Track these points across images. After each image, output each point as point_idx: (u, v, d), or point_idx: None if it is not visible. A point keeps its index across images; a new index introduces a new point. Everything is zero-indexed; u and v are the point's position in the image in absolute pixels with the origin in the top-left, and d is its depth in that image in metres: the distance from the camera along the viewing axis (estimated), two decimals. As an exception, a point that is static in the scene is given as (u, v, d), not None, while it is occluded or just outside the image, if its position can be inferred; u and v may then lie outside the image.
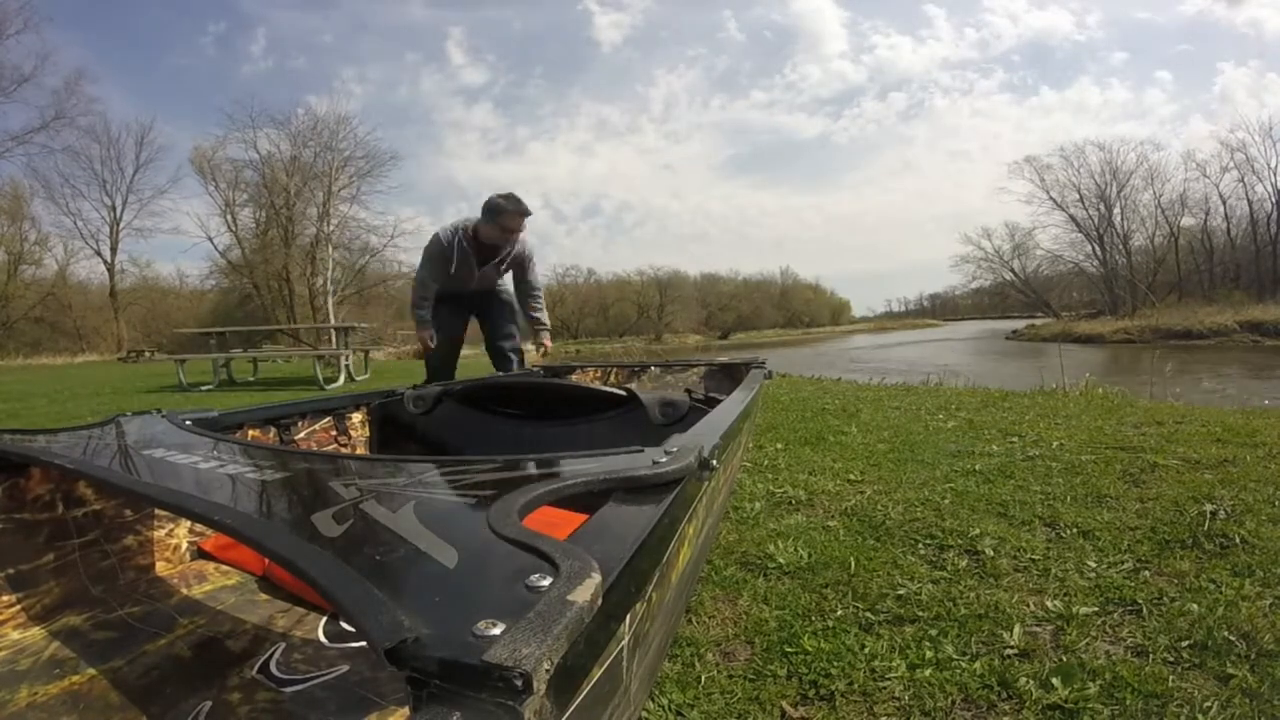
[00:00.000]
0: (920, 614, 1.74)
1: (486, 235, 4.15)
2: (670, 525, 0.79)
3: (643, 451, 0.93)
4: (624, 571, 0.61)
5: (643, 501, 0.79)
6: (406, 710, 0.90)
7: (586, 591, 0.51)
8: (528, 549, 0.60)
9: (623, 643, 0.64)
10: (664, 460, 0.88)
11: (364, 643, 1.09)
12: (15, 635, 1.13)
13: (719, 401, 1.95)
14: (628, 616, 0.64)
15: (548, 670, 0.43)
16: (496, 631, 0.45)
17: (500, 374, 3.82)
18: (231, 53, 74.65)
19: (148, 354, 24.88)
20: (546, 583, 0.52)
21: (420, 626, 0.47)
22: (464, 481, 0.87)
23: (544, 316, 4.55)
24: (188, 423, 1.43)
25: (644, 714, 1.34)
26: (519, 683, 0.41)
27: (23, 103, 31.79)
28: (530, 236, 4.35)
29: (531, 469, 0.91)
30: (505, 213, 4.07)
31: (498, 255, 4.26)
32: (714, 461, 1.00)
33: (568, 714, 0.50)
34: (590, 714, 0.56)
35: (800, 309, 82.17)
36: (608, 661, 0.60)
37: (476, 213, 4.16)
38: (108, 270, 34.30)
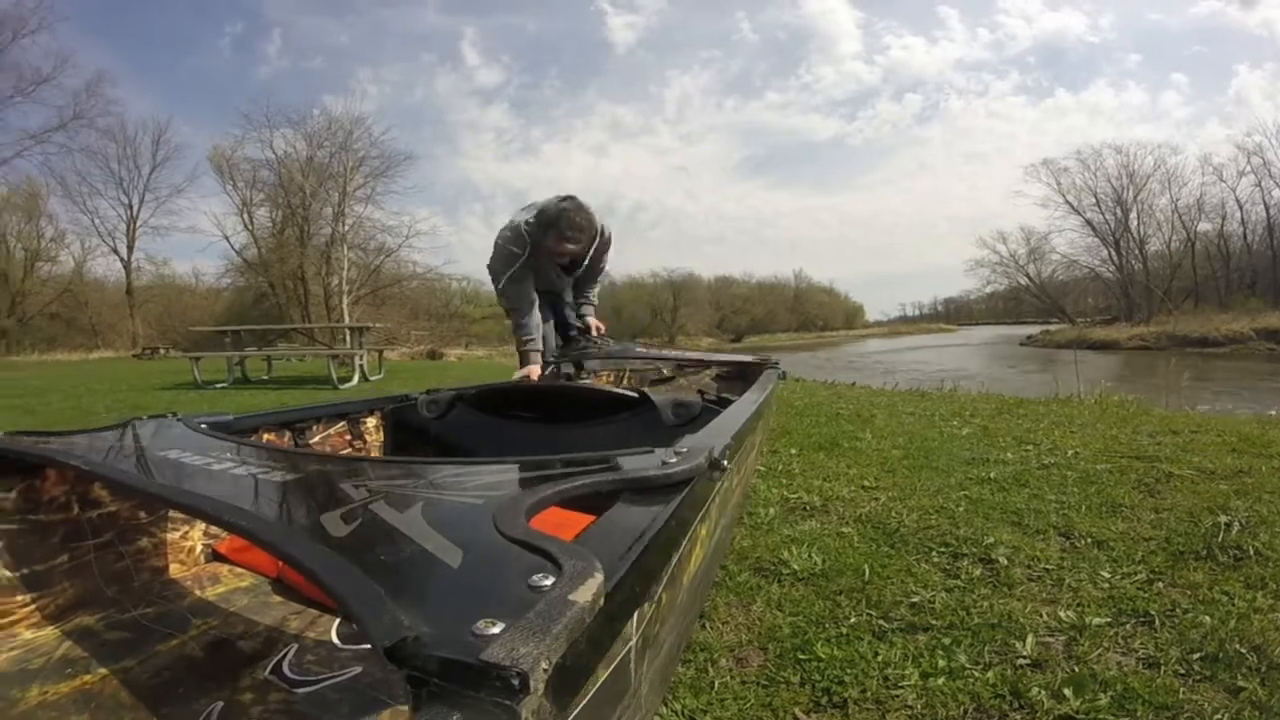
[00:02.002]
0: (934, 622, 1.74)
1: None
2: (679, 526, 0.79)
3: (652, 452, 0.93)
4: (629, 572, 0.61)
5: (651, 502, 0.79)
6: None
7: (589, 591, 0.51)
8: (532, 549, 0.60)
9: (630, 643, 0.64)
10: (673, 460, 0.88)
11: None
12: (28, 635, 1.14)
13: (730, 402, 1.94)
14: (634, 617, 0.64)
15: (546, 670, 0.43)
16: (496, 630, 0.45)
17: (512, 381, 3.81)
18: (249, 53, 74.80)
19: (163, 351, 25.01)
20: (549, 582, 0.53)
21: (421, 625, 0.47)
22: (473, 483, 0.87)
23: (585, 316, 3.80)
24: (203, 426, 1.44)
25: (656, 718, 1.34)
26: (516, 682, 0.41)
27: (41, 103, 31.85)
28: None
29: (540, 470, 0.91)
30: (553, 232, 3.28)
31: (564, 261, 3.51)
32: (725, 462, 0.99)
33: (573, 715, 0.50)
34: (598, 714, 0.56)
35: (814, 313, 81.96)
36: (614, 662, 0.60)
37: (494, 214, 3.62)
38: (124, 268, 34.47)
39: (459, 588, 0.57)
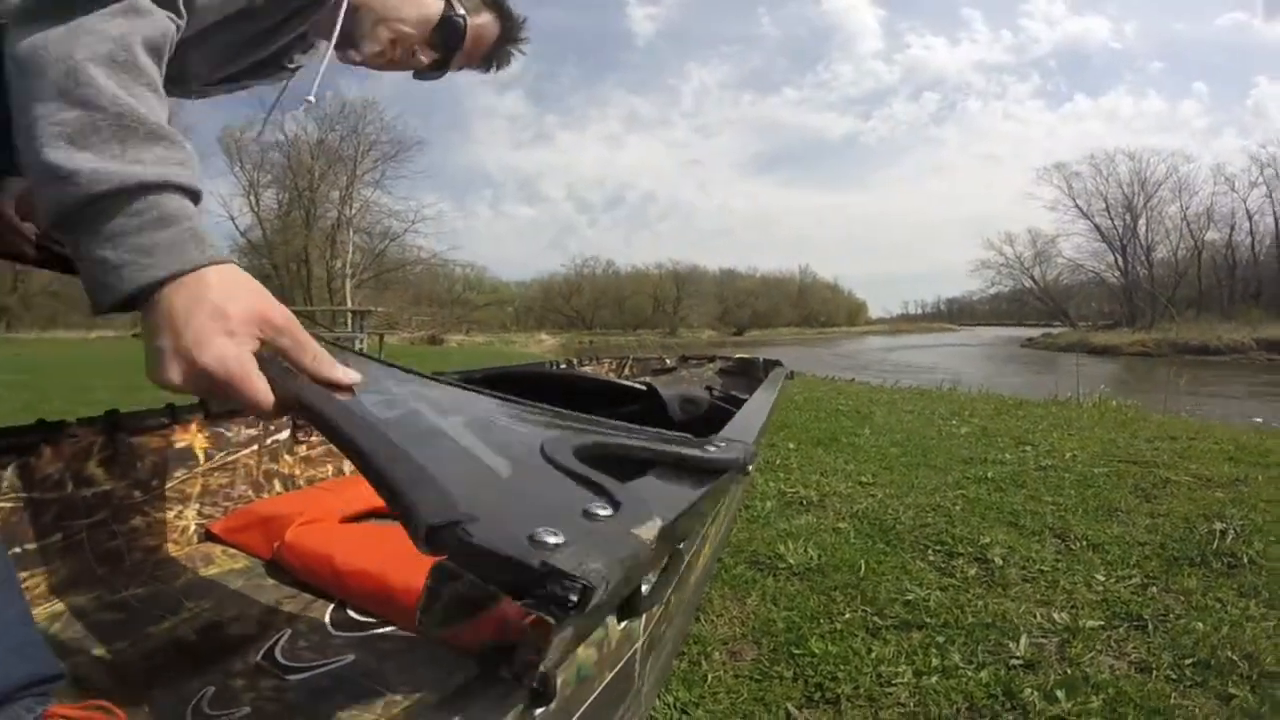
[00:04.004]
0: (928, 620, 1.74)
1: None
2: (698, 523, 0.76)
3: (692, 439, 0.91)
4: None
5: (683, 482, 0.75)
6: (411, 700, 0.89)
7: (651, 531, 0.48)
8: (585, 482, 0.56)
9: (636, 644, 0.63)
10: (713, 450, 0.85)
11: (371, 631, 1.09)
12: (22, 612, 1.14)
13: (739, 400, 1.93)
14: (643, 618, 0.63)
15: (604, 590, 0.39)
16: (557, 540, 0.41)
17: (515, 365, 3.80)
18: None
19: (164, 331, 24.94)
20: (607, 512, 0.49)
21: (470, 518, 0.43)
22: (515, 414, 0.85)
23: None
24: None
25: (651, 713, 1.34)
26: (575, 597, 0.37)
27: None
28: None
29: (583, 422, 0.89)
30: None
31: None
32: (749, 466, 0.98)
33: (577, 715, 0.50)
34: (601, 715, 0.56)
35: (817, 308, 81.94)
36: (619, 664, 0.59)
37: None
38: (127, 246, 34.50)
39: (510, 495, 0.54)
